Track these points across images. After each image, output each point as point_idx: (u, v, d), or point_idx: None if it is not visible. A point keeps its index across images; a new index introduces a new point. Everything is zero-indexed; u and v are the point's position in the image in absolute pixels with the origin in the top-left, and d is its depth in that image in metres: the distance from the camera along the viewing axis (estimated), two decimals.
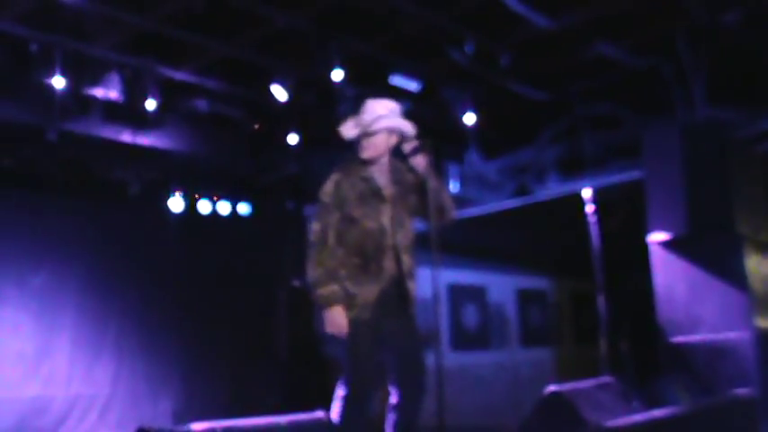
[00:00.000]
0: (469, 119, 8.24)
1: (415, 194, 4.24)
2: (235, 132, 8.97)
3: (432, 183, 4.10)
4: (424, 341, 4.16)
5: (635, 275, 8.12)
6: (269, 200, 10.30)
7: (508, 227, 10.42)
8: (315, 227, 4.14)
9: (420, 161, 4.15)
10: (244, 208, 10.06)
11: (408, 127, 4.22)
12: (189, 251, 9.70)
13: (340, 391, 4.02)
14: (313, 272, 4.03)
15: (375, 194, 4.17)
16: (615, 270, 8.20)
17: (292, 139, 8.74)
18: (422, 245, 4.23)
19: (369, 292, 4.04)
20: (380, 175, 4.22)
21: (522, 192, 9.16)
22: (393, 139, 4.21)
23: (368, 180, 4.19)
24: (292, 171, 9.52)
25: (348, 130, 4.23)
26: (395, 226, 4.14)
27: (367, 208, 4.12)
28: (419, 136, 4.21)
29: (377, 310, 4.03)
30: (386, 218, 4.13)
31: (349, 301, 4.01)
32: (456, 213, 4.34)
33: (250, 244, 10.21)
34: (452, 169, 8.88)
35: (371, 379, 4.04)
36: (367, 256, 4.07)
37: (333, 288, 3.98)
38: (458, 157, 9.03)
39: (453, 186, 8.85)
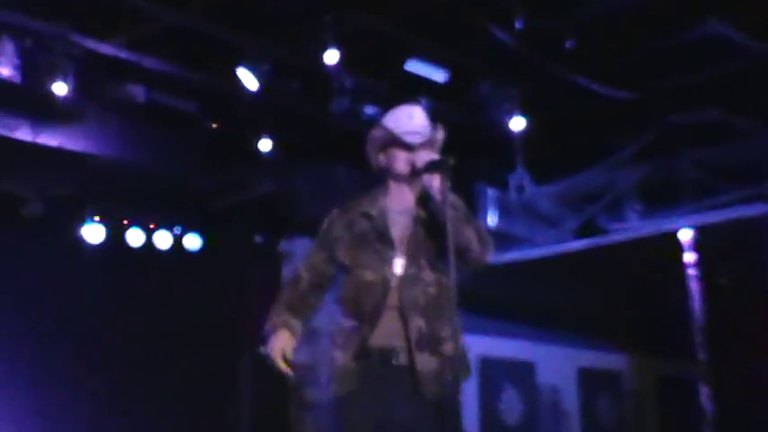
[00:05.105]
0: (516, 125, 8.25)
1: (426, 230, 4.22)
2: (184, 133, 8.82)
3: (450, 213, 3.98)
4: None
5: (755, 354, 8.03)
6: (229, 230, 10.43)
7: (567, 279, 10.49)
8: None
9: (436, 182, 4.08)
10: (193, 240, 10.26)
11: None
12: (112, 298, 9.74)
13: None
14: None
15: (380, 237, 4.20)
16: (726, 346, 8.08)
17: (265, 145, 8.69)
18: None
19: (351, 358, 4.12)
20: (396, 210, 4.27)
21: (588, 230, 9.16)
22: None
23: (372, 218, 4.24)
24: (264, 190, 9.61)
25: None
26: (405, 279, 4.13)
27: (365, 254, 4.20)
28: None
29: (372, 385, 4.05)
30: (393, 268, 4.15)
31: (331, 373, 4.17)
32: (490, 253, 4.30)
33: (201, 290, 10.27)
34: (490, 195, 8.93)
35: None
36: (362, 316, 4.11)
37: (285, 317, 4.27)
38: (498, 178, 9.09)
39: (491, 219, 8.88)
